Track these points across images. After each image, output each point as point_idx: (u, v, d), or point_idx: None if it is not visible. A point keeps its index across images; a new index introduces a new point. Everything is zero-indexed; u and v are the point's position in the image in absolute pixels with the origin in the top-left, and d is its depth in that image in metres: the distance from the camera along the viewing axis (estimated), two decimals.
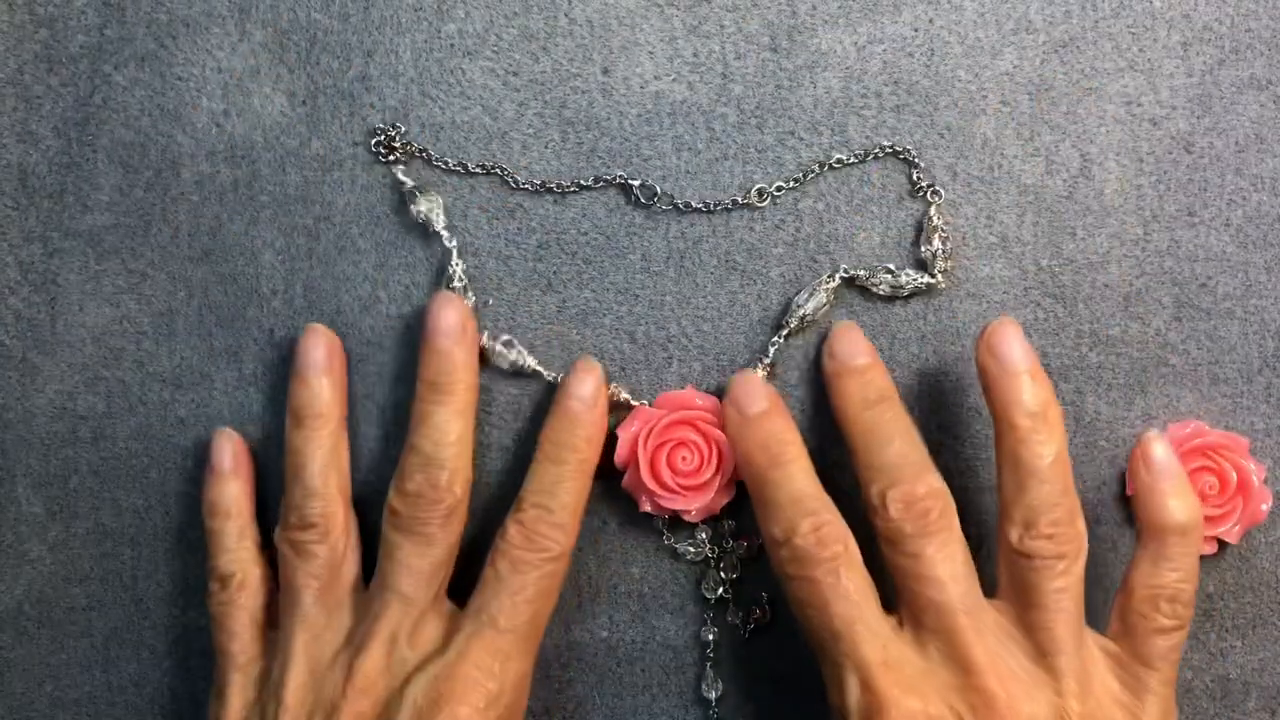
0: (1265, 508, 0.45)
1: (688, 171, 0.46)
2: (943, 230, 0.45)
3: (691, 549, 0.46)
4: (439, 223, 0.45)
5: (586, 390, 0.44)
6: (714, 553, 0.46)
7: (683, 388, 0.46)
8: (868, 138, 0.46)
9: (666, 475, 0.44)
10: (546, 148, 0.46)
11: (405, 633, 0.42)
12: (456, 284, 0.45)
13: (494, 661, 0.41)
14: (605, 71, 0.46)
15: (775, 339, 0.46)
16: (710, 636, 0.46)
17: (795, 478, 0.43)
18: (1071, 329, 0.46)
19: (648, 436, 0.44)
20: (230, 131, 0.46)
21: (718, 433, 0.44)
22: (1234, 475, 0.45)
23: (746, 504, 0.45)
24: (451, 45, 0.46)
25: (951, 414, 0.46)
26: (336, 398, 0.45)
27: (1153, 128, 0.46)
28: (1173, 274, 0.46)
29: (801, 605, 0.42)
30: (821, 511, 0.42)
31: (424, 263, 0.46)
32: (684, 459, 0.44)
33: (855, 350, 0.44)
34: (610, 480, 0.46)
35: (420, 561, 0.43)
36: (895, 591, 0.42)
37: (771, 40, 0.46)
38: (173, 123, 0.46)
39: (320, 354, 0.45)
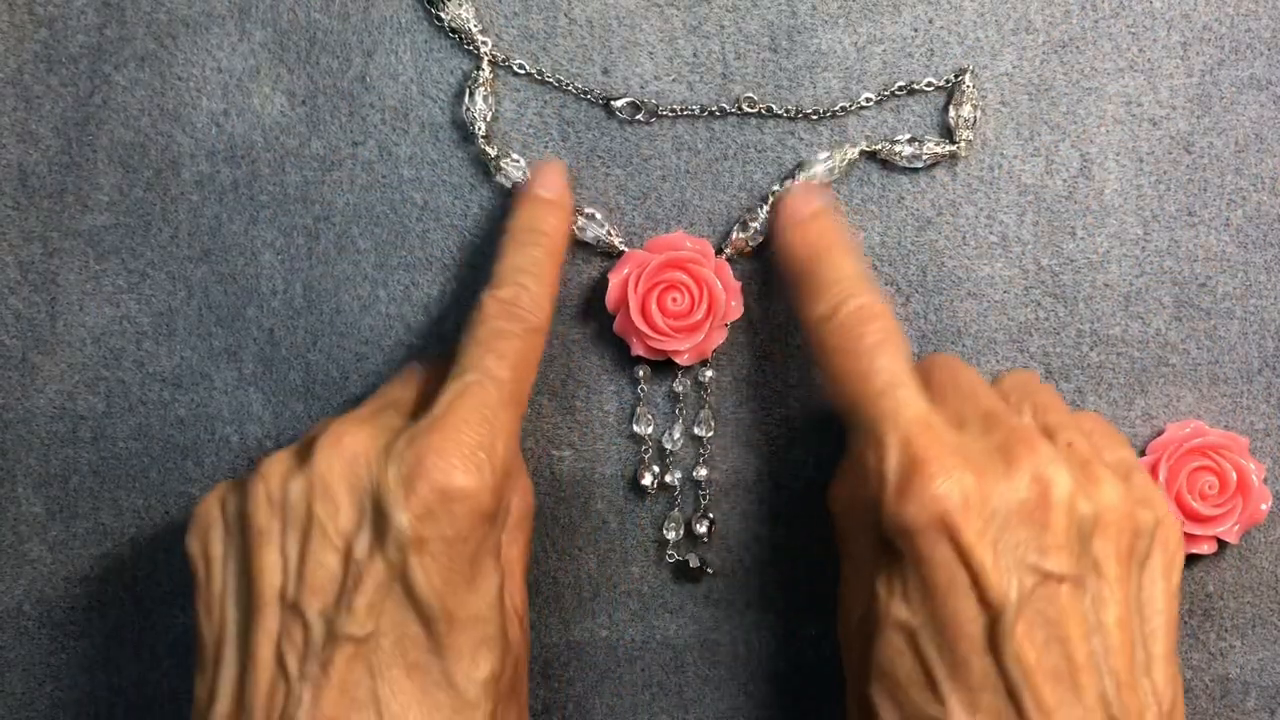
0: (1265, 508, 0.45)
1: (687, 171, 0.46)
2: (975, 98, 0.45)
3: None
4: (473, 24, 0.45)
5: (553, 181, 0.44)
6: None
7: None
8: (867, 137, 0.46)
9: (658, 317, 0.44)
10: (546, 148, 0.46)
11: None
12: (482, 85, 0.45)
13: (482, 409, 0.40)
14: (605, 71, 0.46)
15: (776, 186, 0.46)
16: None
17: (847, 261, 0.42)
18: (1071, 329, 0.46)
19: (638, 280, 0.44)
20: (230, 131, 0.46)
21: (708, 274, 0.44)
22: (1234, 475, 0.45)
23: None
24: (451, 45, 0.46)
25: None
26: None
27: (1153, 128, 0.46)
28: (1173, 274, 0.46)
29: (842, 375, 0.41)
30: (872, 293, 0.41)
31: (423, 263, 0.46)
32: (674, 300, 0.44)
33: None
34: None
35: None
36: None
37: (771, 40, 0.46)
38: (173, 123, 0.46)
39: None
